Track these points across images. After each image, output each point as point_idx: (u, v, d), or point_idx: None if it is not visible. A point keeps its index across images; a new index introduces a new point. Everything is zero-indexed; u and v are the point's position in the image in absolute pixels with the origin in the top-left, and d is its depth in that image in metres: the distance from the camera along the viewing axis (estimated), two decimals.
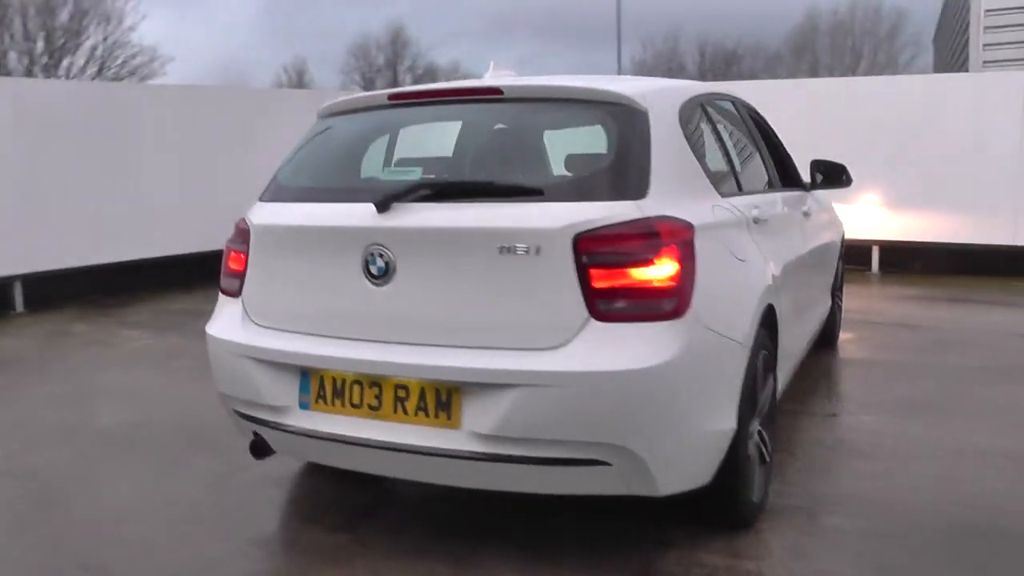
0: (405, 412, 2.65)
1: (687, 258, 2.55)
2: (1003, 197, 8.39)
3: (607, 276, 2.49)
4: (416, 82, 42.21)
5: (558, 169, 3.10)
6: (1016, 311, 7.19)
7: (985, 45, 9.90)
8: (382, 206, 2.70)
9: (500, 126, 3.11)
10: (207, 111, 9.16)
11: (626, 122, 2.77)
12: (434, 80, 44.20)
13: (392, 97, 3.08)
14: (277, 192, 3.18)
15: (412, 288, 2.67)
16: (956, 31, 13.95)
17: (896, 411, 4.37)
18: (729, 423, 2.71)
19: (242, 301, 3.04)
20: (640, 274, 2.50)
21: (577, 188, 2.76)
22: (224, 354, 3.02)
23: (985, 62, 9.81)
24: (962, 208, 8.54)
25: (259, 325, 2.96)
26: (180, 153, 8.92)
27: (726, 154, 3.42)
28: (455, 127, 3.31)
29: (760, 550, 2.91)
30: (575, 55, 61.97)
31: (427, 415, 2.62)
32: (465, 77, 46.48)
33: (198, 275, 8.22)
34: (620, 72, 40.70)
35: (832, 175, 4.53)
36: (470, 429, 2.56)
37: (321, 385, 2.78)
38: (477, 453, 2.55)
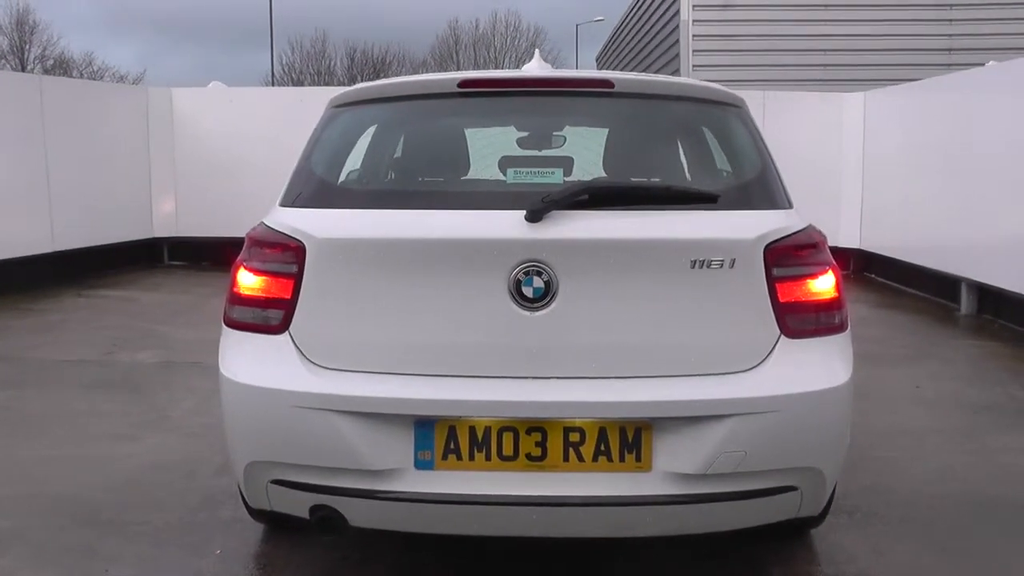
0: (580, 459, 2.23)
1: (837, 269, 2.46)
2: None
3: (792, 289, 2.33)
4: (48, 72, 36.86)
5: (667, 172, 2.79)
6: None
7: (695, 66, 11.21)
8: (535, 214, 2.23)
9: (632, 123, 2.74)
10: None
11: (752, 126, 2.63)
12: (67, 72, 39.11)
13: (466, 84, 2.53)
14: (331, 195, 2.52)
15: (579, 312, 2.25)
16: (630, 51, 15.49)
17: None
18: None
19: (291, 337, 2.34)
20: (816, 286, 2.37)
21: (740, 195, 2.51)
22: (276, 408, 2.29)
23: None
24: None
25: (328, 368, 2.30)
26: None
27: None
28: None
29: (841, 554, 2.92)
30: (205, 52, 58.57)
31: (610, 460, 2.23)
32: (103, 70, 41.79)
33: None
34: (272, 75, 39.36)
35: None
36: (667, 470, 2.23)
37: (452, 437, 2.23)
38: (676, 496, 2.24)
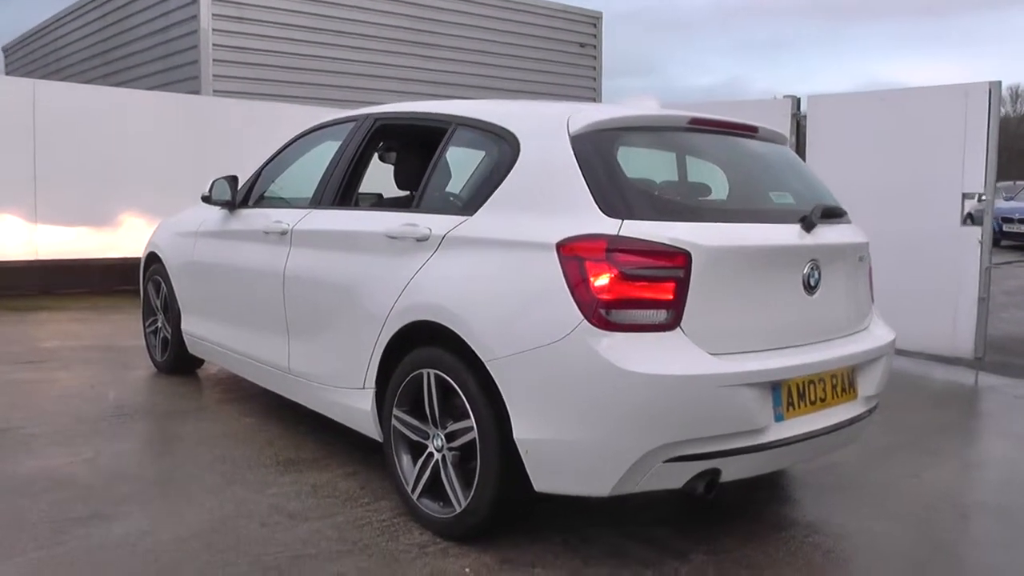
0: (836, 396, 3.08)
1: None
2: None
3: (870, 272, 3.53)
4: None
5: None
6: None
7: (215, 76, 10.66)
8: (809, 226, 3.07)
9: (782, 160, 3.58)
10: None
11: None
12: None
13: (694, 121, 3.22)
14: (674, 210, 2.97)
15: (828, 294, 3.12)
16: (101, 50, 13.06)
17: None
18: None
19: (682, 331, 2.73)
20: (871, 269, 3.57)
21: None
22: (701, 391, 2.69)
23: (216, 91, 10.57)
24: None
25: (714, 354, 2.76)
26: None
27: None
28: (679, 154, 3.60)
29: None
30: None
31: (846, 393, 3.13)
32: None
33: None
34: None
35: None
36: (863, 395, 3.21)
37: (789, 393, 2.90)
38: (865, 413, 3.25)
